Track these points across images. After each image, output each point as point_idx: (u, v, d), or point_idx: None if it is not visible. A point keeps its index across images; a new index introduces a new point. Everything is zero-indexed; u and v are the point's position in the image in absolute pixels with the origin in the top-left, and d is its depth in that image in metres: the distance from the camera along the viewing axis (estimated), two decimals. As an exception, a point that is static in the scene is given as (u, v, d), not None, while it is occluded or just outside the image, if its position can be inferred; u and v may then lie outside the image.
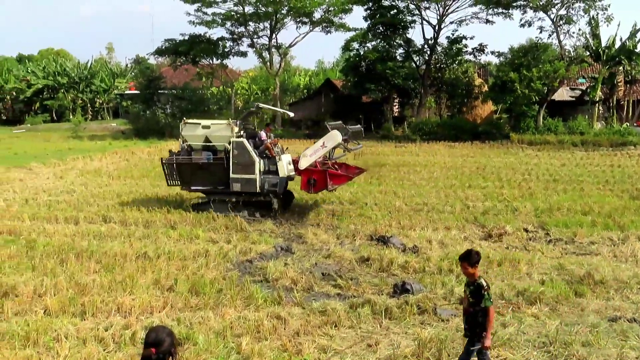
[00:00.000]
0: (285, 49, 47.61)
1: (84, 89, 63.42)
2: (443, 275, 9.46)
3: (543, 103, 37.36)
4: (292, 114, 17.06)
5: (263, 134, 14.76)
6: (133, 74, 67.59)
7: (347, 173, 14.73)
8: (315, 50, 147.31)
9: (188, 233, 12.41)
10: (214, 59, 46.69)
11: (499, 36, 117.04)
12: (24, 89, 61.92)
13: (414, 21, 42.30)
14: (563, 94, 41.62)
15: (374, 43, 41.95)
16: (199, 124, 14.58)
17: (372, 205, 15.65)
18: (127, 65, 79.95)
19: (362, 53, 41.98)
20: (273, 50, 46.38)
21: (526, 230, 12.65)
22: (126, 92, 64.79)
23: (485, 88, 41.44)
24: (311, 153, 13.72)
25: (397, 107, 48.17)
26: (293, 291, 8.83)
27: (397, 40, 42.23)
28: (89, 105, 63.85)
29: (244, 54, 46.55)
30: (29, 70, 65.21)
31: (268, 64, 46.67)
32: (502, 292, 8.60)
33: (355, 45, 42.85)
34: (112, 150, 32.10)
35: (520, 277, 9.49)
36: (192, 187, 14.75)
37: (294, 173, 14.46)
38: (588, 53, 38.31)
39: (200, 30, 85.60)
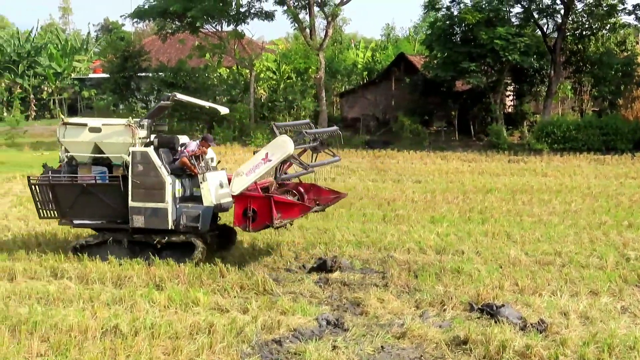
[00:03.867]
0: (334, 8, 47.92)
1: (24, 72, 64.91)
2: (587, 371, 9.30)
3: None
4: (225, 110, 17.72)
5: (193, 145, 15.33)
6: (99, 48, 68.89)
7: (317, 198, 15.21)
8: (380, 11, 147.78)
9: (182, 296, 12.44)
10: (224, 24, 47.32)
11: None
12: None
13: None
14: None
15: (474, -3, 42.08)
16: (85, 125, 15.24)
17: (472, 255, 15.54)
18: (90, 34, 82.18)
19: (455, 14, 42.08)
20: (315, 9, 46.86)
21: None
22: (89, 75, 65.94)
23: (656, 68, 40.85)
24: (249, 170, 14.00)
25: (511, 98, 47.78)
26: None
27: (511, -7, 42.24)
28: (31, 96, 65.14)
29: (270, 16, 47.12)
30: None
31: (308, 31, 47.03)
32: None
33: (446, 1, 43.07)
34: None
35: None
36: (75, 221, 15.46)
37: (230, 200, 14.79)
38: None
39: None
